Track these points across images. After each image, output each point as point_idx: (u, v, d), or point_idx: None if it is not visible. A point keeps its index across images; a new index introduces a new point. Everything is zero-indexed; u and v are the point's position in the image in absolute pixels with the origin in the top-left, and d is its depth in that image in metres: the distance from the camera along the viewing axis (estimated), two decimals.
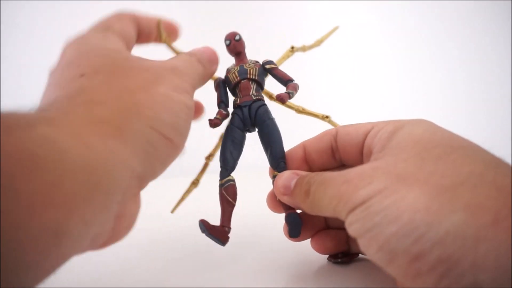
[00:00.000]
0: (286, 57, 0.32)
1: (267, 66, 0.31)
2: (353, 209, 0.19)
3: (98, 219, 0.18)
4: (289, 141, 0.30)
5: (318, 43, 0.33)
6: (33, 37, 0.93)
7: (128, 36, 0.27)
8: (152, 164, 0.21)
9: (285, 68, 0.32)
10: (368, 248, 0.19)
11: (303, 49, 0.33)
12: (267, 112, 0.30)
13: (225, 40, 0.31)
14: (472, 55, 0.90)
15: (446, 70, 0.91)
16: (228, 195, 0.28)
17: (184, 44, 0.32)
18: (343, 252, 0.29)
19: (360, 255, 0.29)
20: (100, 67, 0.23)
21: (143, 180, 0.21)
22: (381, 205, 0.18)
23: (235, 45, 0.31)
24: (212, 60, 0.29)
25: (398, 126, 0.23)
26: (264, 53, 0.33)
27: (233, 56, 0.32)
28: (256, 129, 0.30)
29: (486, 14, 0.88)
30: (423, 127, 0.22)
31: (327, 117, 0.31)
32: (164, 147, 0.21)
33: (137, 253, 0.33)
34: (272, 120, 0.29)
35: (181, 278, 0.28)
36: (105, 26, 0.27)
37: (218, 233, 0.27)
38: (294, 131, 0.33)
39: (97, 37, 0.25)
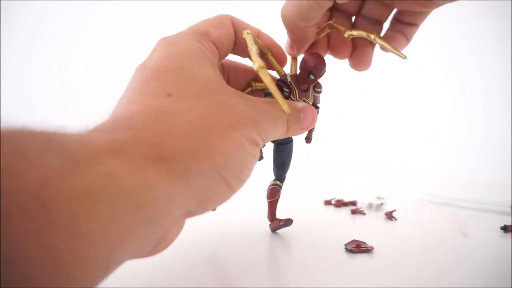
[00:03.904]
0: None
1: (315, 93, 0.30)
2: None
3: (142, 245, 0.19)
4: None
5: None
6: (33, 37, 0.93)
7: (224, 45, 0.26)
8: (206, 206, 0.21)
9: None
10: None
11: None
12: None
13: (310, 72, 0.28)
14: (471, 55, 0.90)
15: (445, 70, 0.91)
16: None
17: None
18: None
19: (374, 250, 0.30)
20: (188, 93, 0.22)
21: (192, 215, 0.22)
22: None
23: (316, 82, 0.29)
24: (304, 127, 0.27)
25: None
26: None
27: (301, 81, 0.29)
28: (273, 144, 0.32)
29: (486, 14, 0.88)
30: None
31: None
32: (224, 193, 0.22)
33: None
34: (291, 143, 0.32)
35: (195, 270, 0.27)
36: (203, 31, 0.25)
37: (281, 223, 0.34)
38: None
39: (192, 44, 0.24)
